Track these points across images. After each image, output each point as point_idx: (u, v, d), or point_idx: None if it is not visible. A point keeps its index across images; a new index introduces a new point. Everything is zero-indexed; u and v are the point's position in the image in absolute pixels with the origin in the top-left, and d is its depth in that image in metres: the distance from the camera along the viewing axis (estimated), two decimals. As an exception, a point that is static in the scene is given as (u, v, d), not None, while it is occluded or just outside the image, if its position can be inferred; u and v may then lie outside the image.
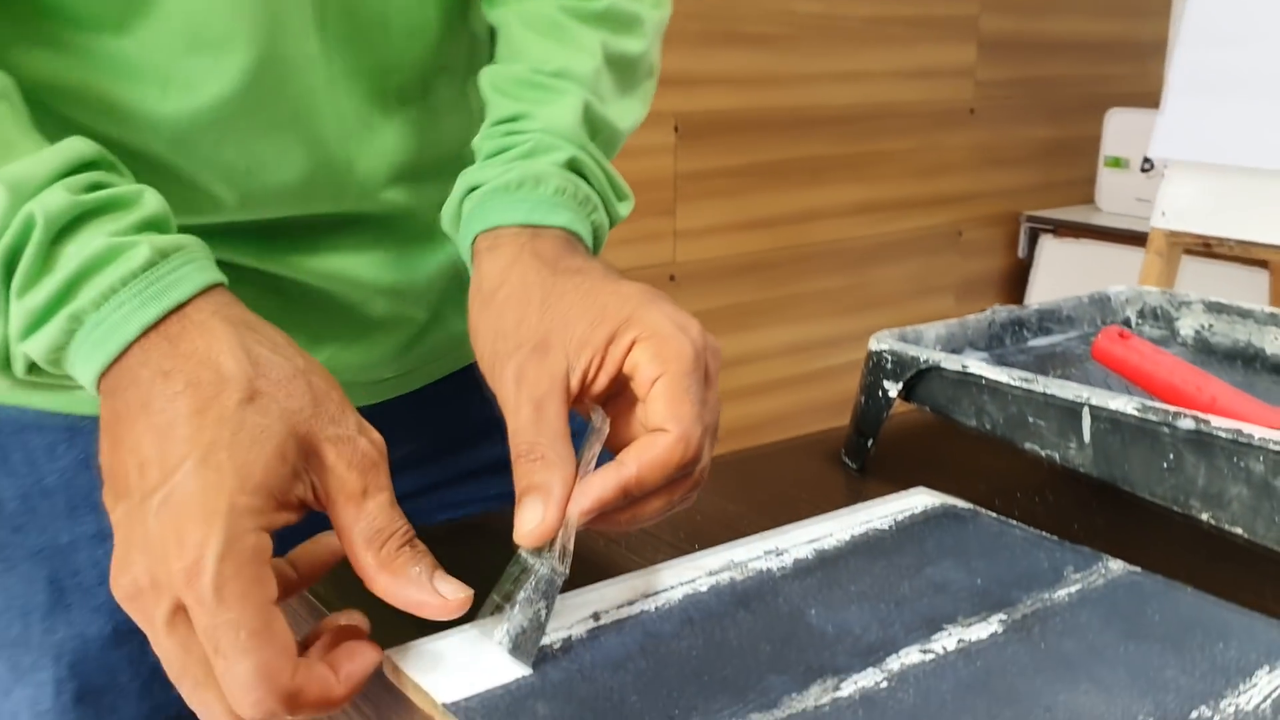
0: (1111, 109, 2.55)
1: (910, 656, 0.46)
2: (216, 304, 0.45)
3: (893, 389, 0.70)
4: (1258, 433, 0.54)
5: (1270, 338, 0.81)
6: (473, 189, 0.55)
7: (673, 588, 0.52)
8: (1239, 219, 1.25)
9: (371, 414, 0.62)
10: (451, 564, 0.45)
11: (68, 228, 0.44)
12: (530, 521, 0.45)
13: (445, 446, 0.74)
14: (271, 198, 0.59)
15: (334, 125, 0.59)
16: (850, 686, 0.44)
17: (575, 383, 0.47)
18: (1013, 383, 0.64)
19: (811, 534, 0.58)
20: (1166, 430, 0.57)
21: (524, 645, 0.45)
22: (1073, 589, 0.53)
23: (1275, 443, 0.53)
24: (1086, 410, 0.61)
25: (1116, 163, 2.50)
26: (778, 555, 0.55)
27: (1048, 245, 2.52)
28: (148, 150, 0.55)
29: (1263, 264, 1.64)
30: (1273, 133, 1.29)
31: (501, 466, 0.70)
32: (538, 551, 0.46)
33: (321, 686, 0.42)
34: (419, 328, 0.68)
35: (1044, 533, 0.59)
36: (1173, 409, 0.57)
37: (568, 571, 0.46)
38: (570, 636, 0.47)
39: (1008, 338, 0.81)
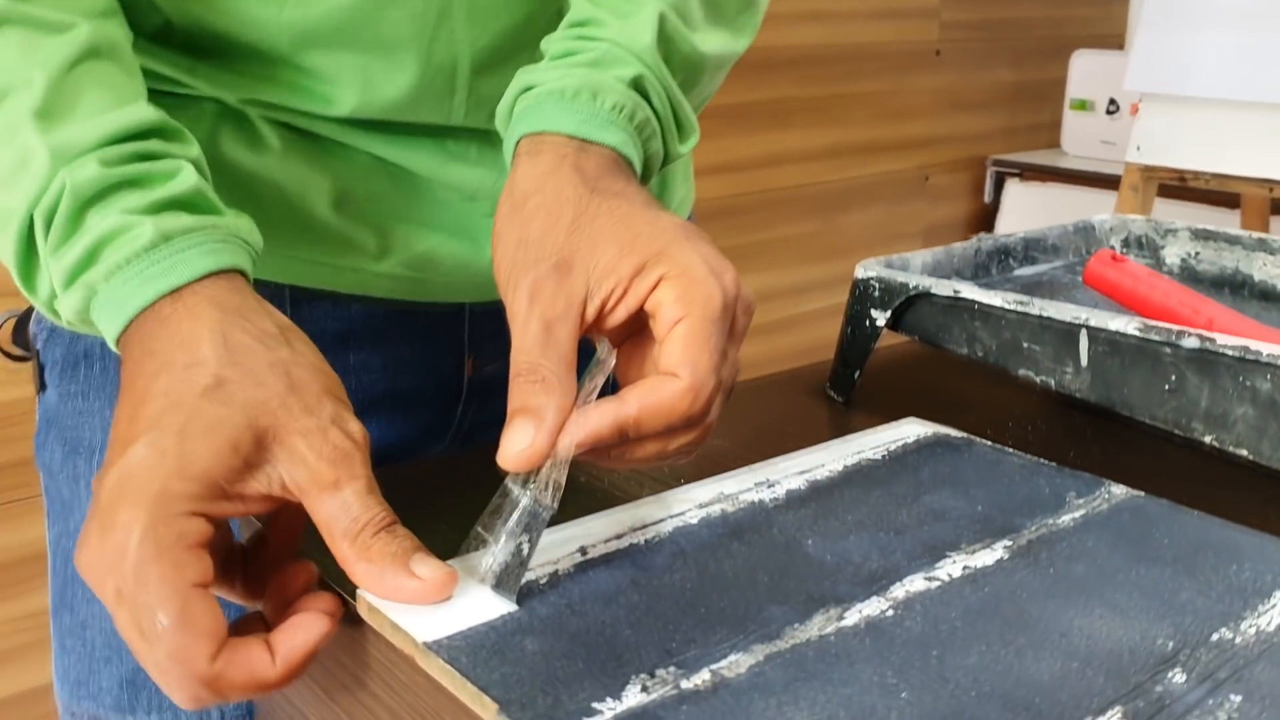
0: (1076, 51, 2.53)
1: (915, 584, 0.44)
2: (215, 290, 0.45)
3: (880, 318, 0.67)
4: (1265, 349, 0.52)
5: (1258, 264, 0.80)
6: (528, 89, 0.52)
7: (661, 521, 0.49)
8: (1213, 152, 1.24)
9: (489, 318, 0.64)
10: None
11: (95, 198, 0.45)
12: (517, 444, 0.42)
13: None
14: (384, 107, 0.58)
15: (445, 47, 0.58)
16: (855, 615, 0.42)
17: (592, 310, 0.44)
18: (1007, 306, 0.61)
19: (802, 465, 0.56)
20: (1169, 351, 0.55)
21: (506, 581, 0.43)
22: (1077, 514, 0.51)
23: (1283, 359, 0.51)
24: (1084, 332, 0.59)
25: (1082, 105, 2.49)
26: (769, 487, 0.53)
27: (1013, 189, 2.50)
28: (273, 48, 0.56)
29: (1233, 203, 1.63)
30: (1245, 64, 1.27)
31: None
32: (524, 481, 0.43)
33: (249, 672, 0.41)
34: None
35: (1042, 459, 0.57)
36: (1176, 328, 0.55)
37: (555, 507, 0.43)
38: (557, 571, 0.45)
39: (994, 266, 0.79)
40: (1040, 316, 0.60)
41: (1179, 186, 1.39)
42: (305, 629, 0.42)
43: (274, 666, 0.41)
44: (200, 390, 0.42)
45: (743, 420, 0.67)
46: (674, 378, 0.43)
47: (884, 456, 0.57)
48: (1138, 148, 1.30)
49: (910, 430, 0.61)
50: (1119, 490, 0.53)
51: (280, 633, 0.42)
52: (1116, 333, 0.57)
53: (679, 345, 0.43)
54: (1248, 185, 1.23)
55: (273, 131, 0.59)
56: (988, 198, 2.56)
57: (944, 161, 2.49)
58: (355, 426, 0.44)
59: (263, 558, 0.47)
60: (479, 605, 0.42)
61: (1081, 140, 2.50)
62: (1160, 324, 0.56)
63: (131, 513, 0.40)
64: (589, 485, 0.56)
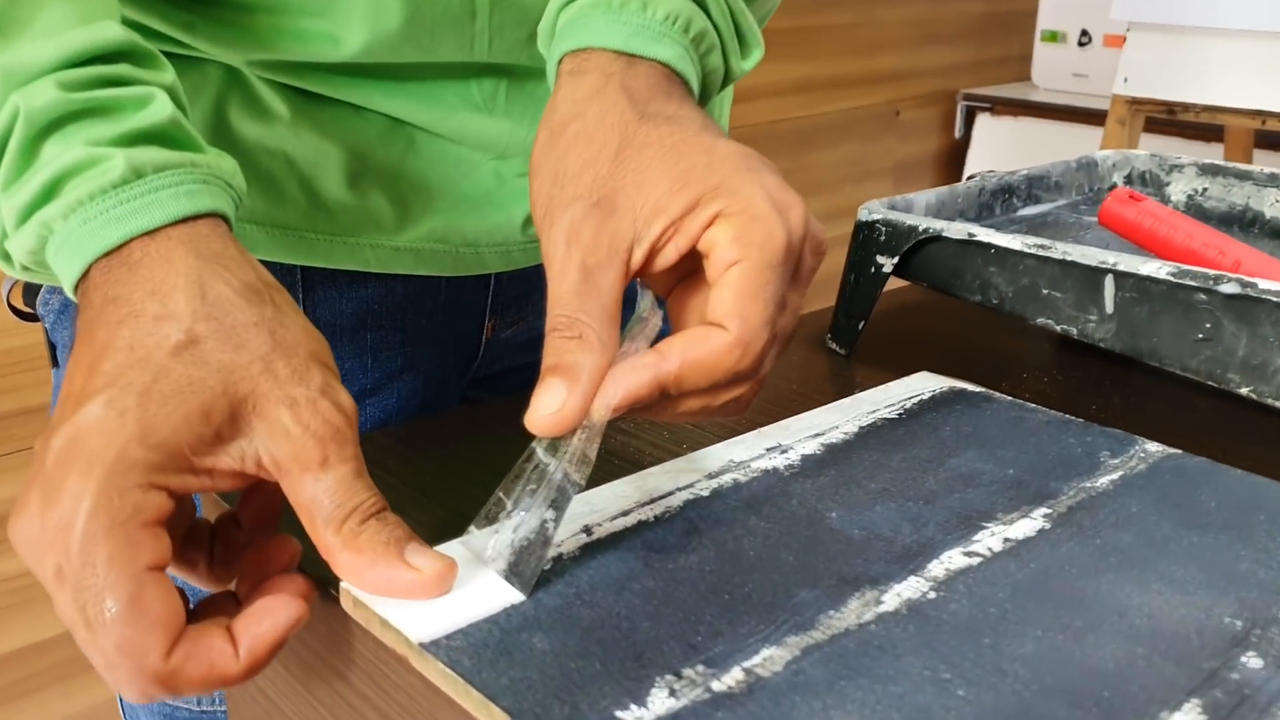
0: (1047, -19, 2.48)
1: (953, 560, 0.40)
2: (191, 234, 0.39)
3: (887, 263, 0.63)
4: (1313, 294, 0.48)
5: (1270, 200, 0.76)
6: (570, 1, 0.46)
7: (670, 494, 0.45)
8: (1203, 83, 1.20)
9: (514, 281, 0.60)
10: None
11: (52, 126, 0.39)
12: (548, 406, 0.37)
13: None
14: (396, 38, 0.52)
15: None
16: (893, 598, 0.38)
17: (639, 256, 0.39)
18: (1027, 250, 0.57)
19: (814, 426, 0.52)
20: (1203, 297, 0.52)
21: (523, 566, 0.38)
22: (1114, 475, 0.47)
23: (1333, 305, 0.48)
24: (1110, 277, 0.55)
25: (1053, 37, 2.44)
26: (782, 452, 0.49)
27: (984, 123, 2.46)
28: None
29: (1212, 136, 1.60)
30: (1235, -8, 1.23)
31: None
32: (554, 448, 0.39)
33: (208, 666, 0.36)
34: None
35: (1067, 415, 0.53)
36: (1213, 273, 0.51)
37: (583, 483, 0.39)
38: (561, 554, 0.41)
39: (998, 206, 0.75)
40: (1063, 260, 0.56)
41: (1161, 120, 1.35)
42: (273, 615, 0.37)
43: (236, 660, 0.36)
44: (171, 346, 0.36)
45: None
46: (720, 330, 0.38)
47: (900, 414, 0.53)
48: (1125, 79, 1.26)
49: (924, 384, 0.57)
50: (1154, 448, 0.50)
51: (244, 620, 0.37)
52: (1147, 278, 0.53)
53: (730, 293, 0.39)
54: (1238, 117, 1.19)
55: (280, 98, 0.53)
56: (958, 133, 2.52)
57: (914, 96, 2.44)
58: (345, 398, 0.39)
59: (232, 537, 0.42)
60: (477, 597, 0.38)
61: (1053, 73, 2.46)
62: (1195, 269, 0.52)
63: (81, 481, 0.35)
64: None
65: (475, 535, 0.40)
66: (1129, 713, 0.32)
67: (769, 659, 0.35)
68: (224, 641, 0.36)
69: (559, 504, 0.39)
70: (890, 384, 0.57)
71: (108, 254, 0.38)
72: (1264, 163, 1.63)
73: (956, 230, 0.60)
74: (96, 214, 0.38)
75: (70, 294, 0.40)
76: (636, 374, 0.38)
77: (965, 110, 2.50)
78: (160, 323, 0.37)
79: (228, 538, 0.42)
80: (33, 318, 0.62)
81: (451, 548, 0.40)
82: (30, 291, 0.62)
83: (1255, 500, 0.45)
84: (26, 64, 0.39)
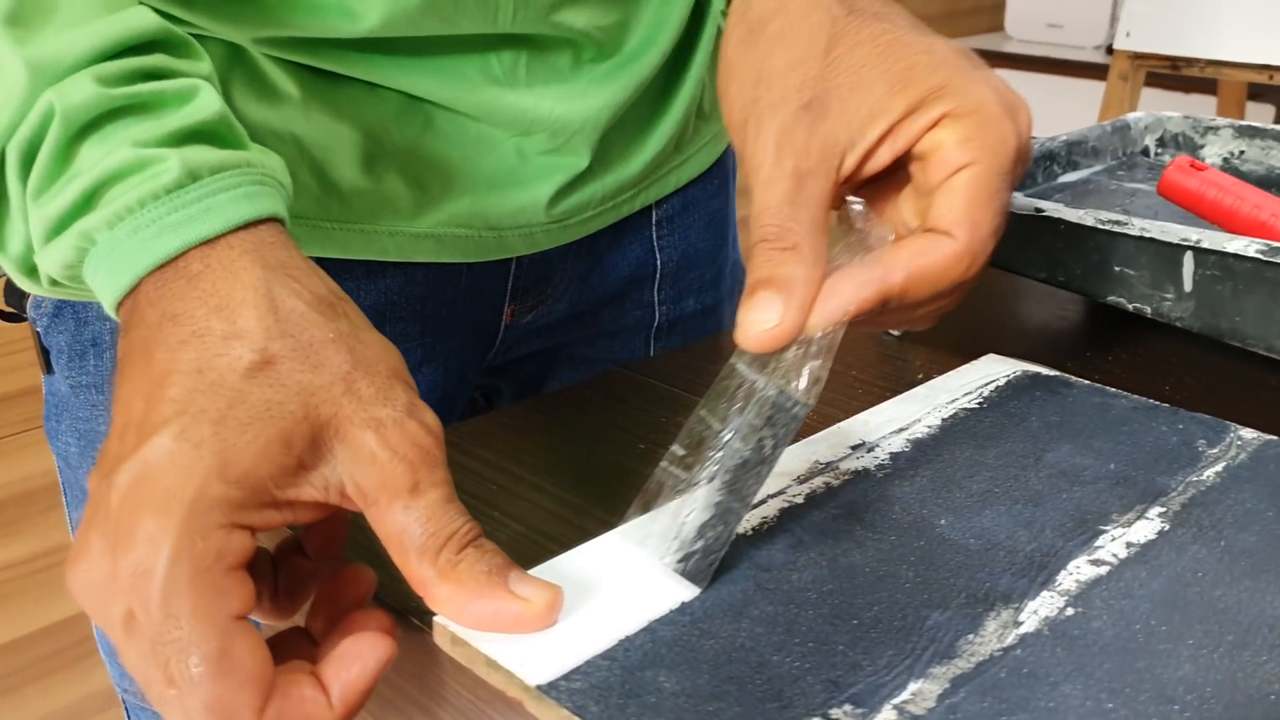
0: (1019, -71, 2.45)
1: (1082, 570, 0.38)
2: (255, 242, 0.35)
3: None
4: None
5: (1312, 162, 0.74)
6: None
7: (763, 501, 0.43)
8: (1208, 37, 1.18)
9: (535, 265, 0.58)
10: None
11: (93, 125, 0.35)
12: (762, 322, 0.35)
13: (591, 304, 0.66)
14: (417, 10, 0.48)
15: None
16: (1031, 618, 0.36)
17: (852, 162, 0.37)
18: (1101, 226, 0.55)
19: (894, 420, 0.49)
20: (1294, 274, 0.50)
21: (721, 523, 0.36)
22: (1217, 467, 0.45)
23: None
24: (1190, 255, 0.53)
25: (1027, -14, 2.42)
26: (869, 451, 0.46)
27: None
28: None
29: (1201, 90, 1.59)
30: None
31: (636, 331, 0.66)
32: (761, 365, 0.36)
33: (305, 719, 0.33)
34: (577, 172, 0.57)
35: (1152, 400, 0.51)
36: (1309, 249, 0.49)
37: (812, 404, 0.36)
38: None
39: (1039, 174, 0.72)
40: (1140, 237, 0.54)
41: (1157, 74, 1.33)
42: (362, 658, 0.34)
43: (330, 710, 0.33)
44: (244, 368, 0.33)
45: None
46: (948, 238, 0.36)
47: (981, 404, 0.51)
48: (1127, 34, 1.24)
49: (995, 369, 0.54)
50: (1249, 434, 0.48)
51: (333, 666, 0.34)
52: (1232, 255, 0.51)
53: (960, 199, 0.37)
54: (1244, 72, 1.18)
55: (289, 77, 0.49)
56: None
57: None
58: (431, 418, 0.35)
59: (296, 566, 0.39)
60: (588, 628, 0.35)
61: (1026, 23, 2.44)
62: (1288, 245, 0.50)
63: (158, 523, 0.31)
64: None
65: (630, 527, 0.37)
66: (1313, 743, 0.30)
67: (919, 694, 0.32)
68: (316, 691, 0.33)
69: (776, 423, 0.36)
70: (960, 369, 0.55)
71: (161, 266, 0.35)
72: (1253, 117, 1.62)
73: (1023, 205, 0.57)
74: (148, 222, 0.35)
75: (111, 311, 0.36)
76: (861, 288, 0.36)
77: (940, 63, 2.46)
78: (230, 342, 0.33)
79: (292, 567, 0.38)
80: (16, 318, 0.58)
81: (606, 542, 0.37)
82: (16, 289, 0.57)
83: (1371, 491, 0.43)
84: (58, 57, 0.35)
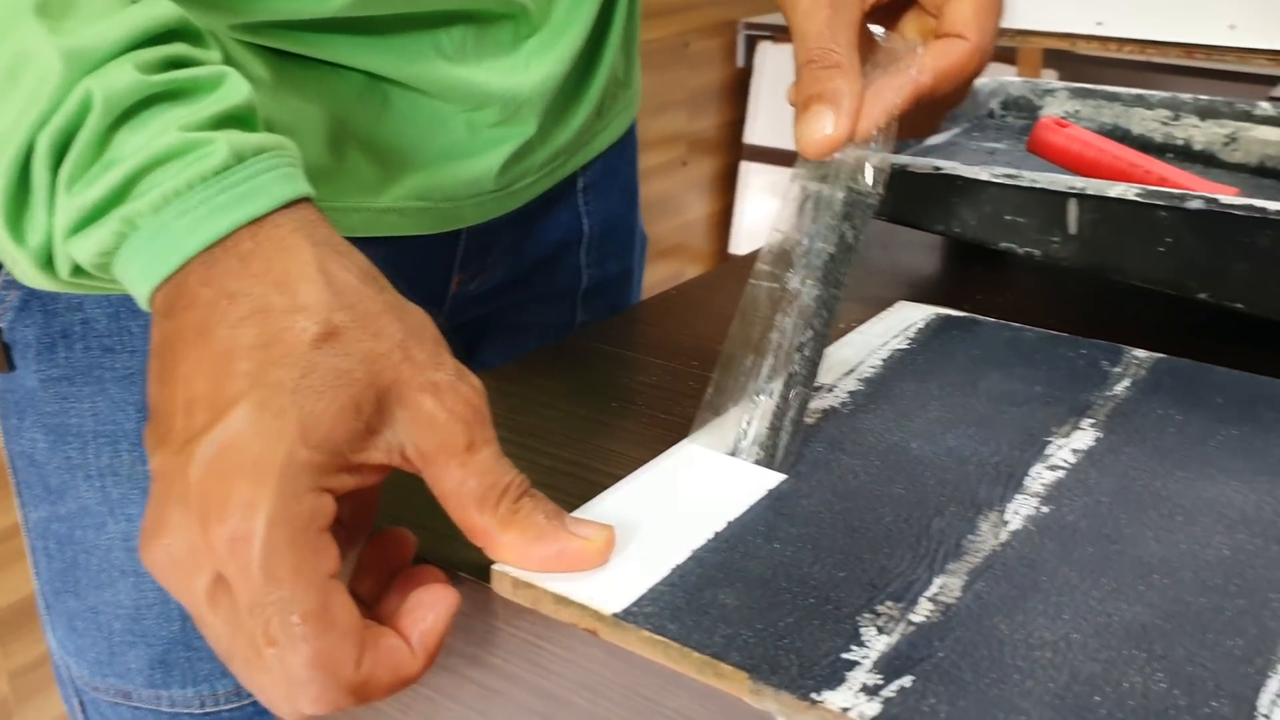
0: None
1: (1043, 476, 0.44)
2: (300, 219, 0.37)
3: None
4: (1271, 206, 0.54)
5: (1137, 119, 0.83)
6: None
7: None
8: (1010, 8, 1.28)
9: (478, 234, 0.62)
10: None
11: (130, 112, 0.36)
12: (819, 130, 0.42)
13: (525, 269, 0.69)
14: None
15: None
16: (1015, 517, 0.41)
17: None
18: (994, 179, 0.61)
19: (842, 363, 0.54)
20: (1165, 214, 0.57)
21: (813, 329, 0.43)
22: (1125, 382, 0.52)
23: (1288, 214, 0.54)
24: (1074, 201, 0.59)
25: (823, -36, 2.53)
26: (829, 392, 0.51)
27: (769, 52, 2.53)
28: None
29: (1006, 59, 1.71)
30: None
31: (563, 295, 0.70)
32: (822, 176, 0.43)
33: (394, 667, 0.35)
34: (525, 141, 0.60)
35: (1051, 330, 0.58)
36: (1178, 191, 0.56)
37: (881, 193, 0.43)
38: (694, 513, 0.42)
39: (912, 139, 0.79)
40: (1029, 187, 0.60)
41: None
42: (434, 607, 0.36)
43: (414, 656, 0.36)
44: (311, 339, 0.34)
45: (717, 319, 0.65)
46: (962, 40, 0.45)
47: (911, 344, 0.56)
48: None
49: (912, 314, 0.60)
50: (1141, 354, 0.55)
51: (407, 616, 0.36)
52: (1113, 199, 0.58)
53: (969, 7, 0.45)
54: (1047, 40, 1.29)
55: (260, 62, 0.50)
56: (740, 61, 2.58)
57: (700, 27, 2.48)
58: (476, 380, 0.38)
59: (335, 535, 0.40)
60: (645, 559, 0.38)
61: None
62: (1160, 189, 0.57)
63: (253, 489, 0.33)
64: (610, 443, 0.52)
65: (707, 431, 0.44)
66: (1266, 594, 0.37)
67: (945, 587, 0.37)
68: (399, 640, 0.36)
69: (853, 214, 0.43)
70: (880, 316, 0.60)
71: (209, 247, 0.36)
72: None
73: (922, 164, 0.63)
74: (197, 203, 0.36)
75: (144, 298, 0.37)
76: (899, 91, 0.44)
77: (746, 39, 2.56)
78: (293, 316, 0.35)
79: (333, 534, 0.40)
80: None
81: (685, 449, 0.44)
82: None
83: (1250, 393, 0.51)
84: (95, 46, 0.36)
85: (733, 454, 0.44)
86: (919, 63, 0.45)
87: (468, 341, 0.70)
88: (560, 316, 0.72)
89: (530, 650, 0.40)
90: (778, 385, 0.44)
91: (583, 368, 0.56)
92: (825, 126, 0.42)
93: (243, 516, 0.33)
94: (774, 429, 0.43)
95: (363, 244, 0.57)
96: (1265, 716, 0.31)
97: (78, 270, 0.38)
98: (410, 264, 0.59)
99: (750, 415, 0.44)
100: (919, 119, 0.48)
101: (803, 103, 0.43)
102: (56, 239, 0.37)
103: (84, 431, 0.54)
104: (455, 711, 0.43)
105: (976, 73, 0.47)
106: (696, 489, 0.43)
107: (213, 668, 0.57)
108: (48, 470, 0.56)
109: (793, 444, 0.44)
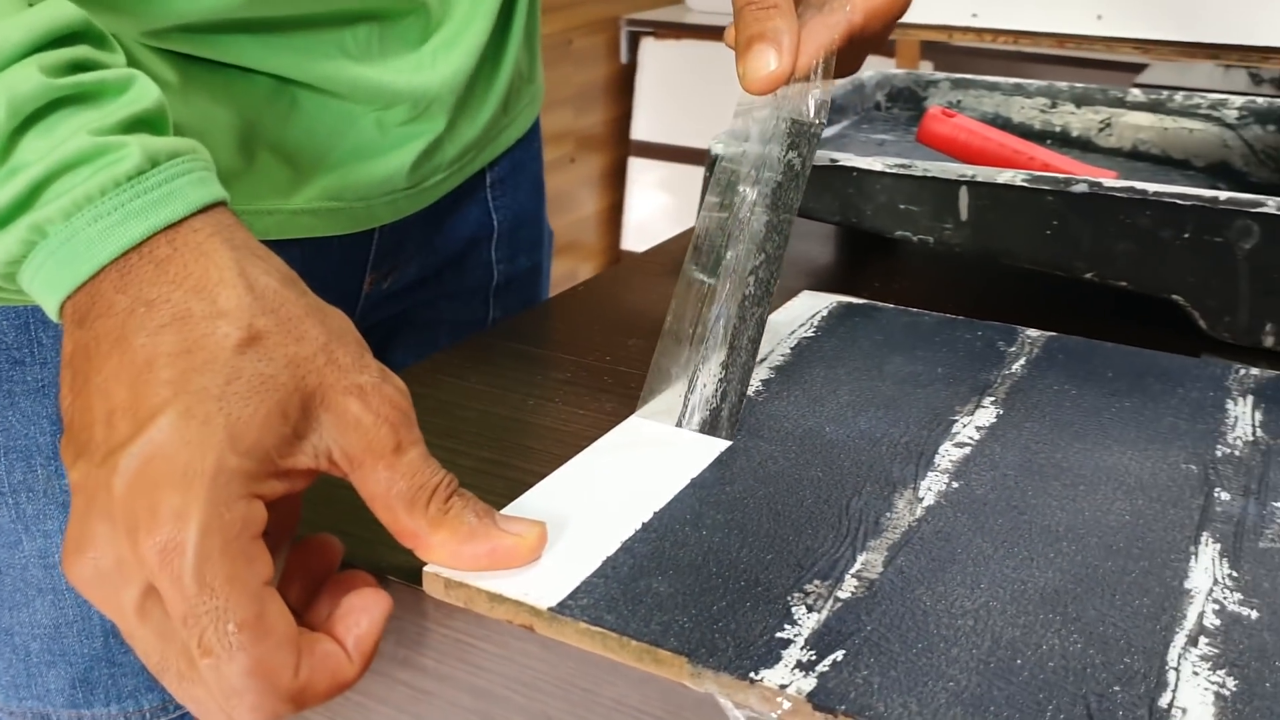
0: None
1: (951, 453, 0.46)
2: (217, 224, 0.36)
3: (751, 193, 0.67)
4: (1150, 188, 0.57)
5: (1017, 107, 0.87)
6: None
7: (671, 436, 0.48)
8: None
9: (390, 232, 0.62)
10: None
11: (36, 116, 0.35)
12: (762, 68, 0.45)
13: (437, 266, 0.69)
14: None
15: None
16: (928, 494, 0.43)
17: None
18: (888, 170, 0.63)
19: (750, 352, 0.55)
20: (1052, 198, 0.60)
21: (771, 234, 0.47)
22: (1020, 361, 0.54)
23: (1164, 195, 0.57)
24: (965, 189, 0.62)
25: (700, -40, 2.56)
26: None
27: (650, 48, 2.55)
28: None
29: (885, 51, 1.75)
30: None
31: (475, 291, 0.72)
32: (764, 109, 0.46)
33: (332, 673, 0.35)
34: (435, 137, 0.60)
35: (947, 314, 0.60)
36: (1063, 176, 0.59)
37: (824, 123, 0.46)
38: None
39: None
40: (922, 176, 0.62)
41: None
42: (368, 610, 0.36)
43: (351, 662, 0.36)
44: (234, 345, 0.34)
45: (626, 315, 0.66)
46: None
47: (817, 333, 0.58)
48: None
49: (814, 303, 0.62)
50: (1034, 333, 0.57)
51: (341, 622, 0.36)
52: (1002, 185, 0.60)
53: None
54: (923, 32, 1.33)
55: (168, 66, 0.49)
56: (624, 58, 2.59)
57: (583, 24, 2.49)
58: (399, 381, 0.38)
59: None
60: (573, 553, 0.39)
61: (704, -5, 2.58)
62: (1046, 174, 0.59)
63: (181, 499, 0.32)
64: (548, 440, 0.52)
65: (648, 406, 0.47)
66: (1168, 554, 0.39)
67: (868, 563, 0.38)
68: (335, 647, 0.35)
69: (799, 143, 0.46)
70: (786, 306, 0.62)
71: (125, 254, 0.35)
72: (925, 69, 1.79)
73: (819, 157, 0.65)
74: (110, 209, 0.35)
75: (53, 308, 0.36)
76: (834, 29, 0.46)
77: (629, 36, 2.57)
78: (214, 321, 0.35)
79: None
80: None
81: (630, 425, 0.45)
82: None
83: (1137, 367, 0.53)
84: None
85: (682, 417, 0.47)
86: (851, 2, 0.48)
87: (380, 341, 0.70)
88: (473, 313, 0.72)
89: (463, 650, 0.40)
90: (721, 337, 0.47)
91: (495, 367, 0.57)
92: (768, 63, 0.45)
93: (174, 527, 0.32)
94: (723, 382, 0.47)
95: (276, 246, 0.56)
96: (1174, 669, 0.33)
97: None
98: (324, 265, 0.58)
99: (698, 373, 0.47)
100: (846, 57, 0.50)
101: (744, 42, 0.45)
102: None
103: (30, 448, 0.53)
104: (387, 714, 0.43)
105: (902, 12, 0.50)
106: (629, 472, 0.44)
107: (138, 683, 0.55)
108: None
109: (739, 407, 0.47)
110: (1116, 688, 0.32)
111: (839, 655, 0.34)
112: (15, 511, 0.54)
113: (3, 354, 0.52)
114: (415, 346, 0.71)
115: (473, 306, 0.72)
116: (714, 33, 2.46)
